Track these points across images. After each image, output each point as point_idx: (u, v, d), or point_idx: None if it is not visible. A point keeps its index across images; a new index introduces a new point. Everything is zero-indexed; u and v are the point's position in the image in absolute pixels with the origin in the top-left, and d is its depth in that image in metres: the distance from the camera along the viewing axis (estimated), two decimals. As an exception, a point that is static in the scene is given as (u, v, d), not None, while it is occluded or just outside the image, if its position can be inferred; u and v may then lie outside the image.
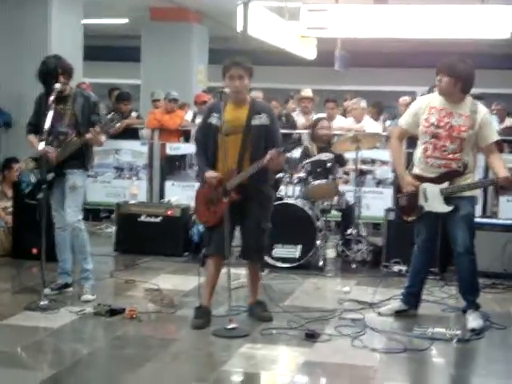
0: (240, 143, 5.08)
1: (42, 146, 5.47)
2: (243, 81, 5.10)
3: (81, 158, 5.76)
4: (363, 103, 9.25)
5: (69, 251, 5.92)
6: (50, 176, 5.69)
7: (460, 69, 5.09)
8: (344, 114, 10.31)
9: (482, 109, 5.23)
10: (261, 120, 5.12)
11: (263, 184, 5.20)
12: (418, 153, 5.30)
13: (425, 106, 5.27)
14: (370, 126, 9.03)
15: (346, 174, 7.64)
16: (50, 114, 5.50)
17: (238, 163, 5.08)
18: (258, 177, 5.07)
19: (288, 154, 5.29)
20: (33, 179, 5.76)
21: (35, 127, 5.74)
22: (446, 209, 5.20)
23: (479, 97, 8.03)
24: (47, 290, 5.65)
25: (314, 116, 9.22)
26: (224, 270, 5.16)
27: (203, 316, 5.14)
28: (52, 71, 5.63)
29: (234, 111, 5.13)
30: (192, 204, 8.02)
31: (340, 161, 7.52)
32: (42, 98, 5.76)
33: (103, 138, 5.79)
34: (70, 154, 5.67)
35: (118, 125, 6.15)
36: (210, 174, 5.10)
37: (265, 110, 5.21)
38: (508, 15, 8.01)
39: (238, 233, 5.46)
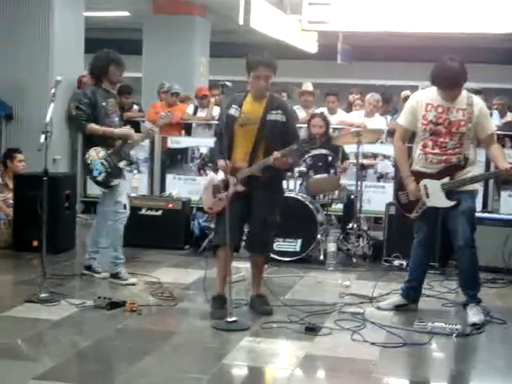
0: (254, 135, 5.15)
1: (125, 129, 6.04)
2: (269, 81, 5.16)
3: None
4: (378, 98, 9.18)
5: None
6: (123, 164, 5.94)
7: (465, 73, 5.07)
8: (350, 107, 10.27)
9: (477, 101, 5.21)
10: (276, 116, 5.18)
11: (274, 179, 5.26)
12: (418, 149, 5.29)
13: (420, 102, 5.23)
14: (378, 122, 8.98)
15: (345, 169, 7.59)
16: (51, 108, 5.54)
17: (250, 154, 5.15)
18: (269, 171, 5.12)
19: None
20: (106, 167, 5.90)
21: (94, 118, 5.91)
22: (448, 203, 5.19)
23: (478, 91, 8.06)
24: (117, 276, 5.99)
25: (315, 110, 9.20)
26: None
27: (222, 305, 5.15)
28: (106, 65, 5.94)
29: (252, 104, 5.21)
30: (193, 197, 8.12)
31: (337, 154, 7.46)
32: (95, 93, 5.95)
33: None
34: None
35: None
36: (221, 162, 5.17)
37: (282, 106, 5.25)
38: (510, 9, 7.98)
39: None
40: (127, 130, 6.10)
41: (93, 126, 5.89)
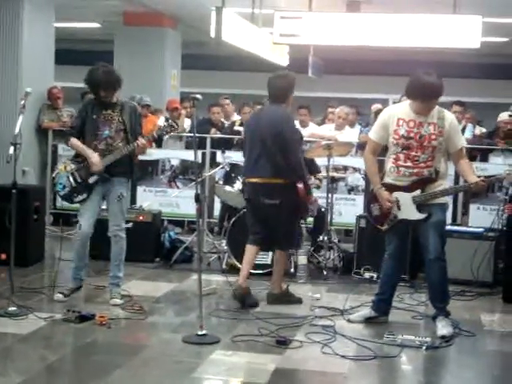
0: None
1: (96, 157, 5.67)
2: None
3: (127, 166, 5.87)
4: (348, 111, 9.22)
5: (87, 258, 5.98)
6: (93, 179, 5.74)
7: (443, 86, 5.11)
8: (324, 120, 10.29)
9: (448, 115, 5.28)
10: None
11: None
12: (390, 163, 5.33)
13: (392, 117, 5.27)
14: (348, 135, 9.03)
15: (319, 180, 7.60)
16: (20, 119, 5.50)
17: None
18: None
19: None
20: (71, 182, 5.76)
21: (78, 131, 5.78)
22: (420, 216, 5.23)
23: (461, 103, 8.24)
24: (59, 296, 5.72)
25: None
26: (194, 277, 5.14)
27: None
28: (98, 82, 5.67)
29: None
30: (164, 210, 8.08)
31: (312, 168, 7.48)
32: (89, 105, 5.81)
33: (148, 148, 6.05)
34: (118, 161, 5.73)
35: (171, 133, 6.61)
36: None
37: None
38: (478, 25, 8.11)
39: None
40: (89, 153, 5.68)
41: (72, 142, 5.79)
